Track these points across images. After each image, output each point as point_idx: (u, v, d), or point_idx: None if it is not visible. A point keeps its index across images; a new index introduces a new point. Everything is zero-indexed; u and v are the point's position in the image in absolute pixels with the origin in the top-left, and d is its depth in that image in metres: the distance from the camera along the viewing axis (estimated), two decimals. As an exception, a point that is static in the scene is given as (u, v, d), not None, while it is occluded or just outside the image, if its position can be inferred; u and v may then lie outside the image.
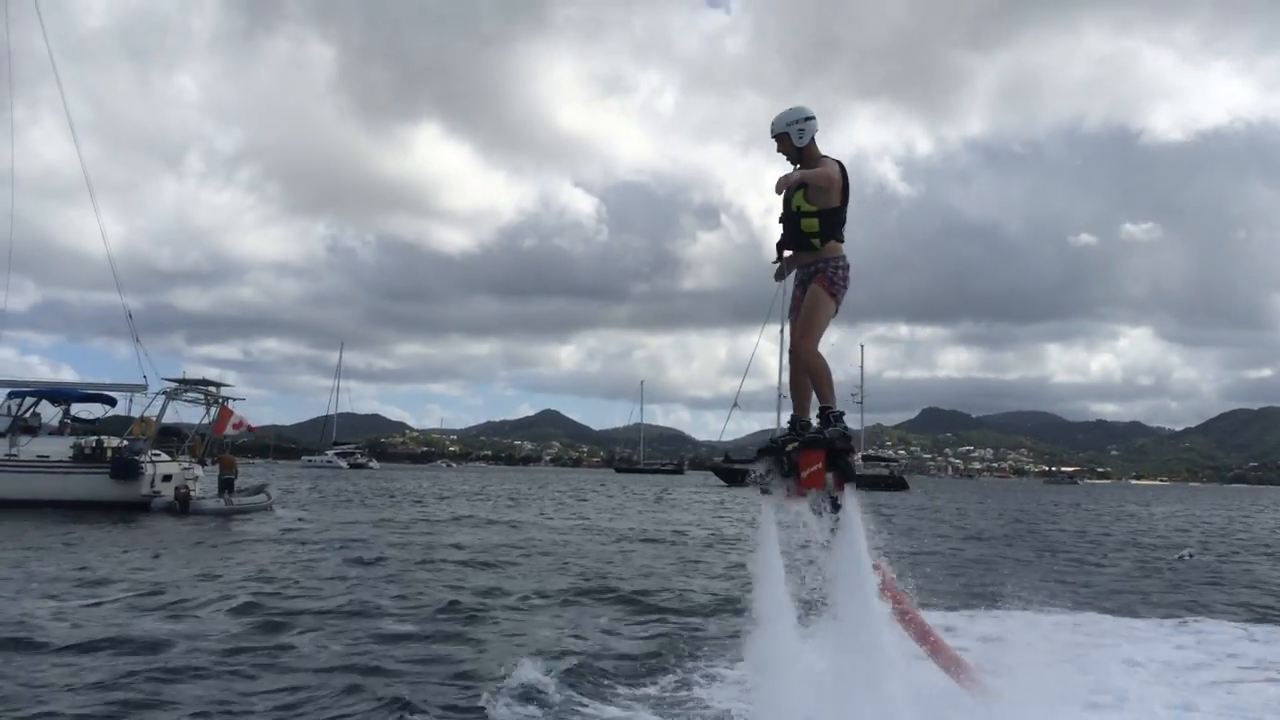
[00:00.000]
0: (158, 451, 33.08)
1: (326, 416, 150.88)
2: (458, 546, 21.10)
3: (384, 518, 30.44)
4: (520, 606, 13.05)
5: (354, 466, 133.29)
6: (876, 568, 6.40)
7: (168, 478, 32.09)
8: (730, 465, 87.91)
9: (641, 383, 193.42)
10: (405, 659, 9.54)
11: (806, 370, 6.74)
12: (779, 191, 6.55)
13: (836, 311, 6.80)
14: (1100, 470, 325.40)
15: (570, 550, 21.08)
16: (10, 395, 33.19)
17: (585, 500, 47.19)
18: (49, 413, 33.92)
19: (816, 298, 6.67)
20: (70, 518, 26.60)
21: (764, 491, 6.65)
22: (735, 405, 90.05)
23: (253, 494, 32.72)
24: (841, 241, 6.79)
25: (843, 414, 6.70)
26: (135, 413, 34.14)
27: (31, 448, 31.60)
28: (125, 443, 31.98)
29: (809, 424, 6.73)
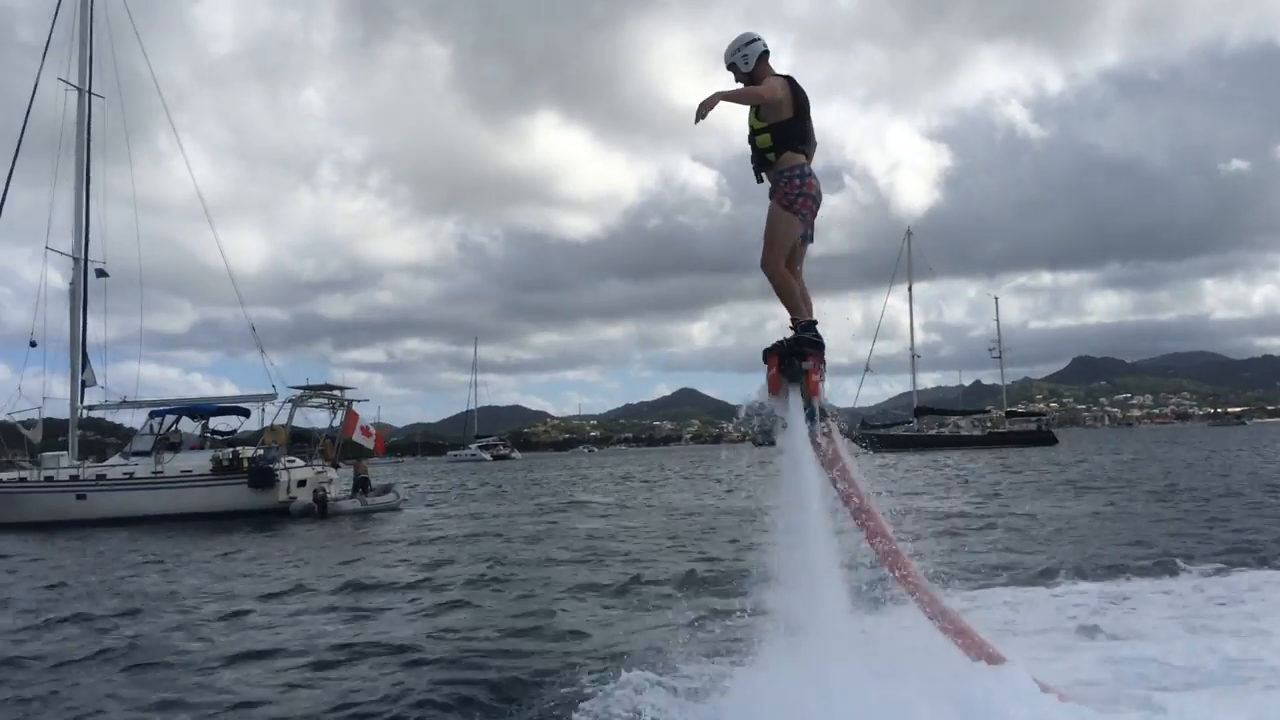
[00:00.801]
0: (291, 458, 33.98)
1: (467, 411, 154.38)
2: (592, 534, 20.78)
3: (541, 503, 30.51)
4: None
5: (497, 458, 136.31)
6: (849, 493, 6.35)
7: (302, 482, 32.91)
8: (865, 431, 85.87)
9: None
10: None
11: (771, 285, 6.67)
12: (697, 119, 6.24)
13: (802, 225, 6.60)
14: (1271, 408, 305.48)
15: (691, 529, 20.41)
16: (152, 415, 34.65)
17: (716, 479, 46.36)
18: (189, 429, 35.29)
19: (771, 213, 6.59)
20: (220, 527, 27.45)
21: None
22: (867, 369, 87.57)
23: (381, 494, 33.31)
24: (800, 152, 6.53)
25: (812, 323, 6.65)
26: (268, 422, 35.11)
27: (175, 463, 32.91)
28: (259, 452, 32.94)
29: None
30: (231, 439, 35.34)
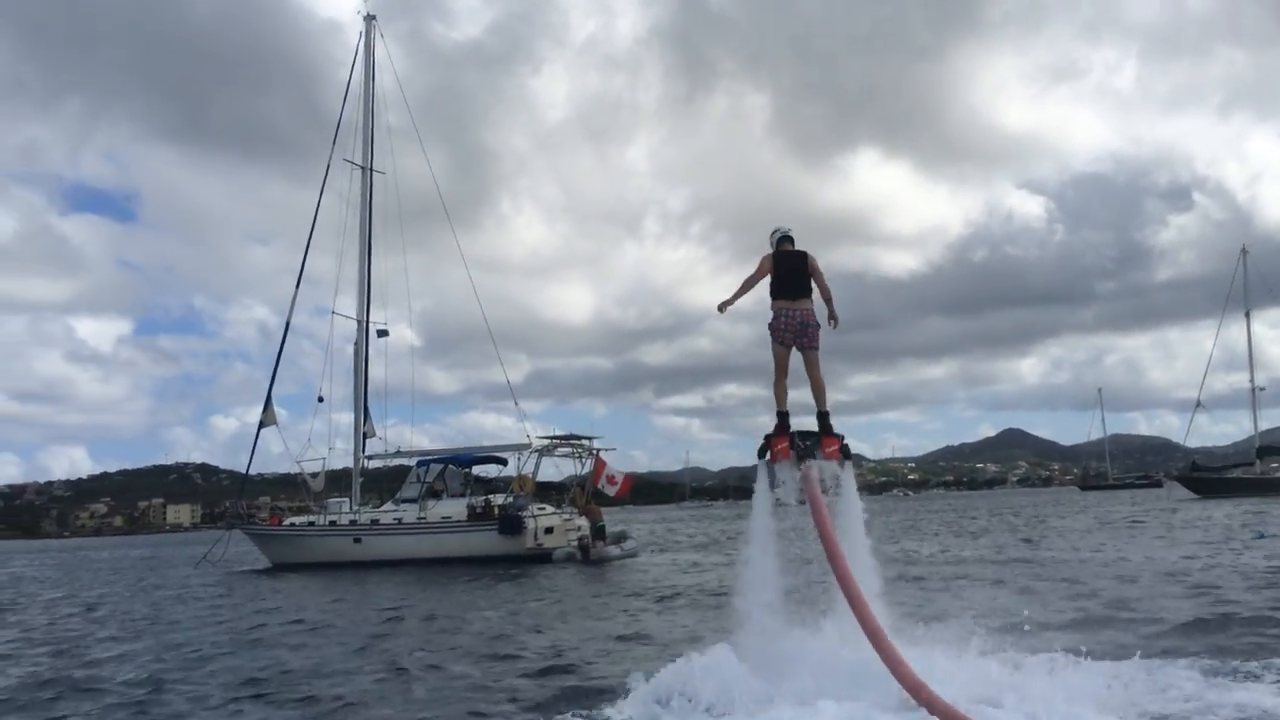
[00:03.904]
0: (542, 505, 35.17)
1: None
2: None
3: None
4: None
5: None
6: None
7: (550, 530, 33.91)
8: (1195, 474, 76.68)
9: (1100, 390, 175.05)
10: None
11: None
12: (720, 309, 9.74)
13: (781, 350, 9.45)
14: None
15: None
16: (419, 464, 37.20)
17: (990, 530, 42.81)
18: (456, 476, 37.41)
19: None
20: (489, 572, 28.23)
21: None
22: (1199, 404, 78.40)
23: (618, 540, 33.61)
24: (778, 298, 9.46)
25: (824, 414, 9.52)
26: (528, 470, 36.53)
27: (438, 510, 35.07)
28: (509, 499, 34.35)
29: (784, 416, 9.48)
30: (489, 487, 37.12)
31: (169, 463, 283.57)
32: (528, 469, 35.62)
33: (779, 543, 9.04)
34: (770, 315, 9.46)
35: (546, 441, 35.64)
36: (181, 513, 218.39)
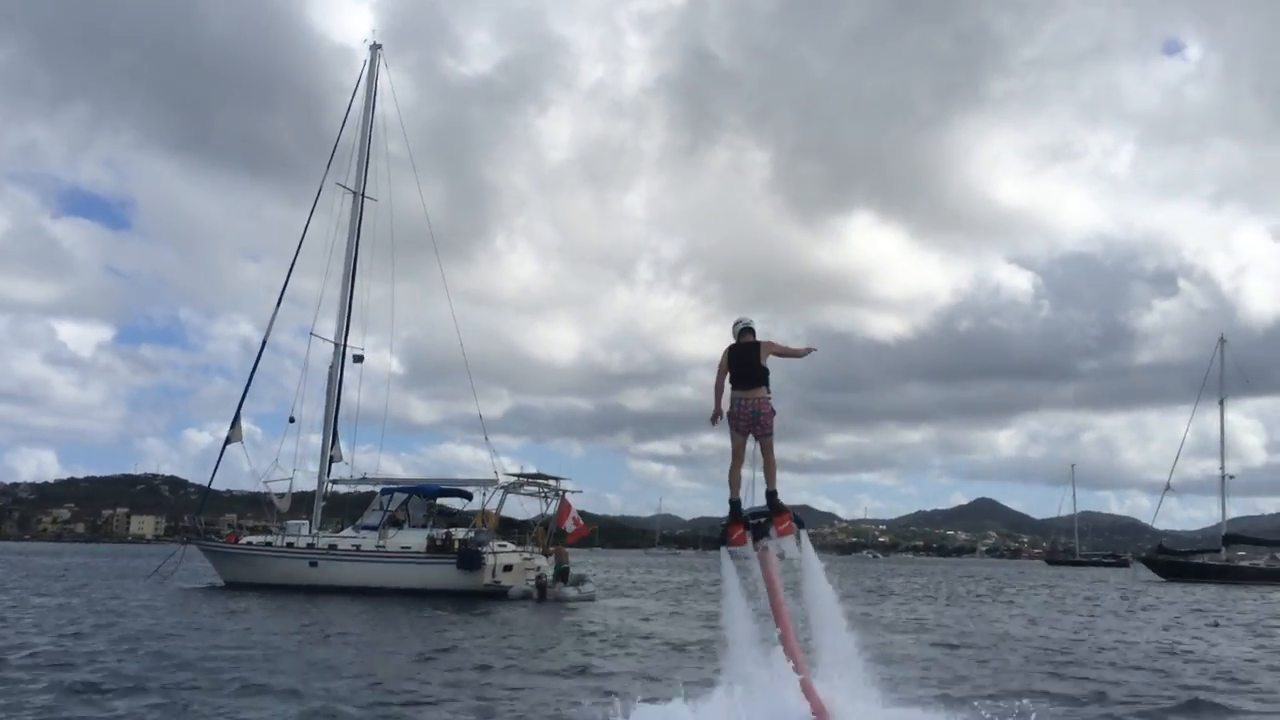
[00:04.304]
0: (503, 542, 34.95)
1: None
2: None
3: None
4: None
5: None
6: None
7: (508, 568, 33.67)
8: (1161, 556, 76.98)
9: (1073, 467, 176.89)
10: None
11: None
12: (712, 421, 10.30)
13: (737, 437, 10.07)
14: None
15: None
16: (382, 492, 36.95)
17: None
18: (420, 506, 37.11)
19: None
20: (446, 605, 28.16)
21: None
22: (1168, 488, 78.91)
23: (576, 583, 33.43)
24: (733, 388, 10.13)
25: (772, 493, 10.13)
26: (492, 506, 36.35)
27: (398, 539, 34.79)
28: (471, 534, 34.14)
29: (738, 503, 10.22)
30: (452, 519, 36.87)
31: (137, 473, 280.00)
32: (493, 504, 35.49)
33: (753, 610, 9.84)
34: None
35: (513, 479, 35.53)
36: (145, 524, 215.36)
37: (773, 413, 10.04)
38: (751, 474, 10.23)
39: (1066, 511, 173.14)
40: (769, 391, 10.16)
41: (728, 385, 10.21)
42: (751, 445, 10.09)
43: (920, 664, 16.33)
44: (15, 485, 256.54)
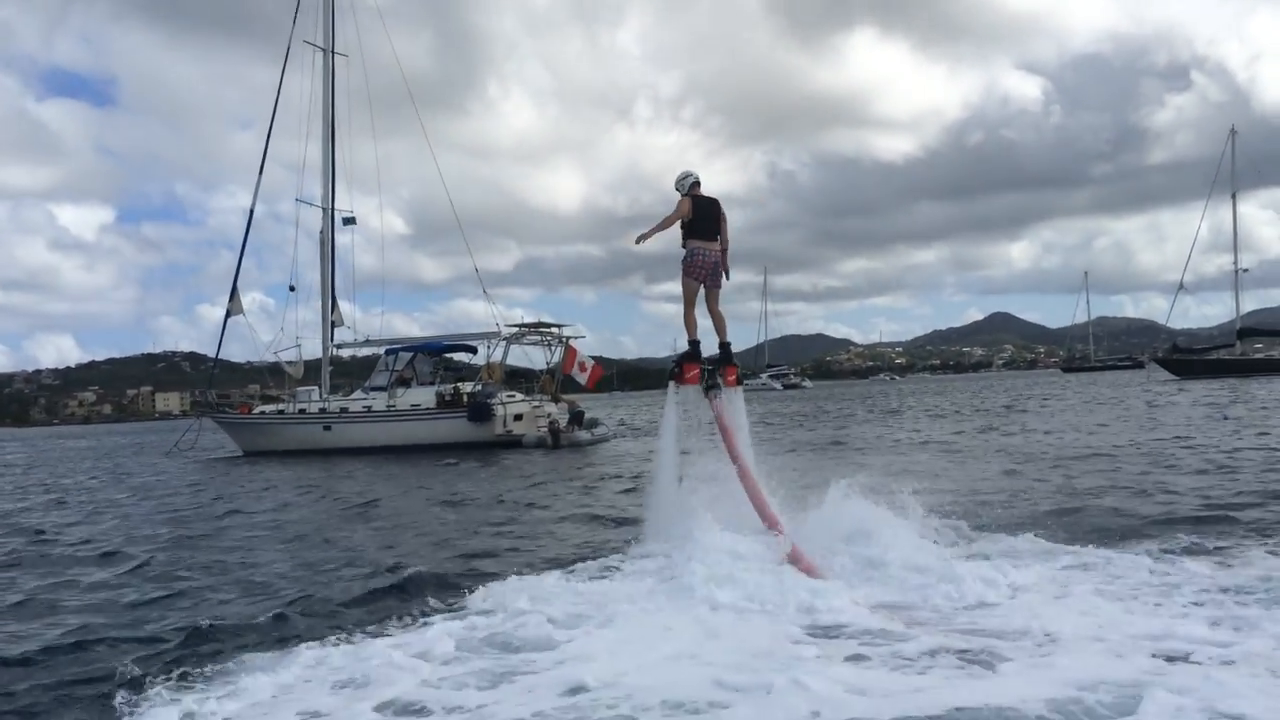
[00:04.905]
0: (511, 393, 35.10)
1: (759, 342, 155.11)
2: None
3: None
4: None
5: (788, 387, 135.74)
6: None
7: (519, 417, 33.95)
8: (1175, 356, 77.12)
9: (1086, 273, 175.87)
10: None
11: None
12: (637, 242, 10.59)
13: (694, 284, 10.50)
14: None
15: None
16: (387, 353, 36.99)
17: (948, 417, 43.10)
18: (425, 364, 37.17)
19: (682, 280, 10.62)
20: (468, 457, 28.29)
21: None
22: (1181, 287, 78.13)
23: (589, 426, 33.74)
24: (697, 238, 10.43)
25: (725, 344, 10.94)
26: (496, 358, 36.34)
27: (406, 398, 34.97)
28: (478, 387, 34.27)
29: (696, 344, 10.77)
30: (459, 375, 36.96)
31: (157, 351, 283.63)
32: (497, 357, 35.50)
33: (681, 441, 10.76)
34: (683, 253, 10.50)
35: (515, 330, 35.42)
36: (170, 400, 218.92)
37: (727, 268, 10.64)
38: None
39: (1082, 319, 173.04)
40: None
41: (678, 233, 10.54)
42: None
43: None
44: (39, 372, 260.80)
